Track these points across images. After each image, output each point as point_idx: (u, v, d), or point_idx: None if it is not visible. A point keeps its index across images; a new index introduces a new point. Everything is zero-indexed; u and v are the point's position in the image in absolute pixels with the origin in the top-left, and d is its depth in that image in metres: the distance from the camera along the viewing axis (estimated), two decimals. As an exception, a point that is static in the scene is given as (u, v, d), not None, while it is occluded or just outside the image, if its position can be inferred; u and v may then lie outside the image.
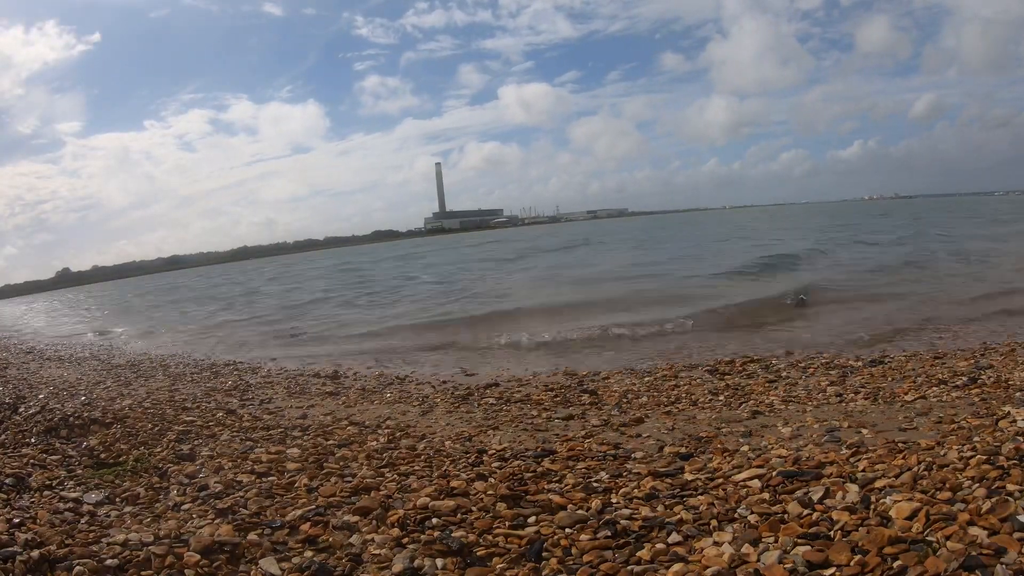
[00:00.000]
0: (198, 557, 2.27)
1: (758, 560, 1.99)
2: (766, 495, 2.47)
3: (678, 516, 2.40)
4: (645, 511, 2.48)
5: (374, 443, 3.89)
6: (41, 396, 5.66)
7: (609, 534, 2.30)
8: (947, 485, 2.22)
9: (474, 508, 2.63)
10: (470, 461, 3.38)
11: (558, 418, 4.37)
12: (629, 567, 2.09)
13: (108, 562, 2.25)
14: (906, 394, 4.08)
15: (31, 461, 3.57)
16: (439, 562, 2.21)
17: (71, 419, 4.49)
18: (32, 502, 2.95)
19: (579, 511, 2.53)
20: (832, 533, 2.07)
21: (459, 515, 2.57)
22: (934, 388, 4.18)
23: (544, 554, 2.23)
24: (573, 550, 2.24)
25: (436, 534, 2.39)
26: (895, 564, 1.82)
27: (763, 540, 2.11)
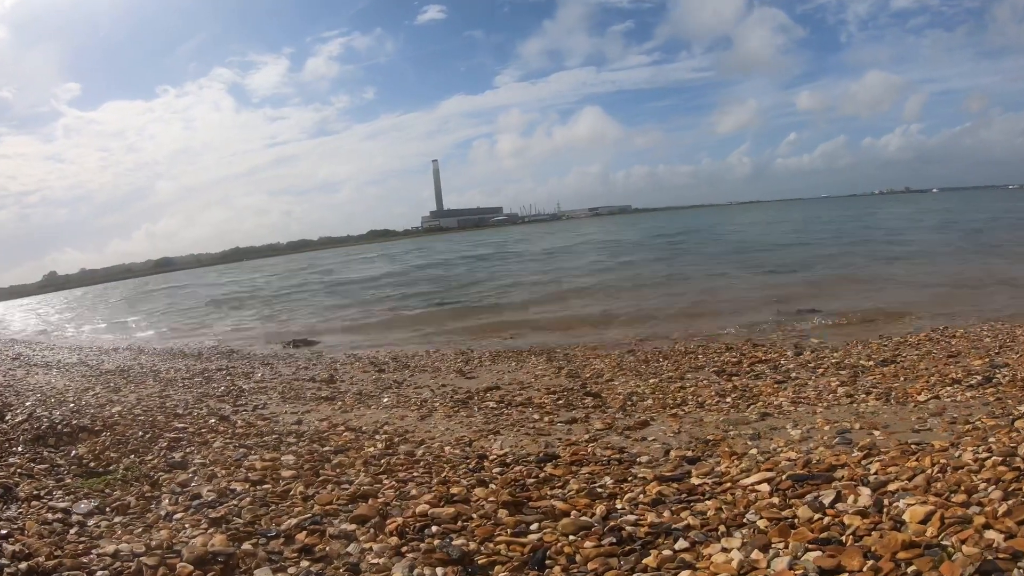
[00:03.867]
0: (191, 568, 2.21)
1: (768, 566, 1.95)
2: (776, 499, 2.43)
3: (685, 522, 2.35)
4: (651, 517, 2.43)
5: (372, 449, 3.82)
6: (28, 403, 5.56)
7: (614, 541, 2.25)
8: (962, 487, 2.19)
9: (475, 515, 2.57)
10: (470, 467, 3.31)
11: (561, 422, 4.31)
12: (635, 575, 2.04)
13: (99, 574, 2.20)
14: (919, 394, 4.03)
15: (18, 471, 3.49)
16: (439, 571, 2.16)
17: (59, 427, 4.40)
18: (20, 512, 2.87)
19: (583, 517, 2.48)
20: (844, 538, 2.03)
21: (459, 522, 2.51)
22: (947, 388, 4.12)
23: (547, 562, 2.17)
24: (577, 558, 2.18)
25: (436, 542, 2.33)
26: (909, 569, 1.78)
27: (773, 546, 2.06)
